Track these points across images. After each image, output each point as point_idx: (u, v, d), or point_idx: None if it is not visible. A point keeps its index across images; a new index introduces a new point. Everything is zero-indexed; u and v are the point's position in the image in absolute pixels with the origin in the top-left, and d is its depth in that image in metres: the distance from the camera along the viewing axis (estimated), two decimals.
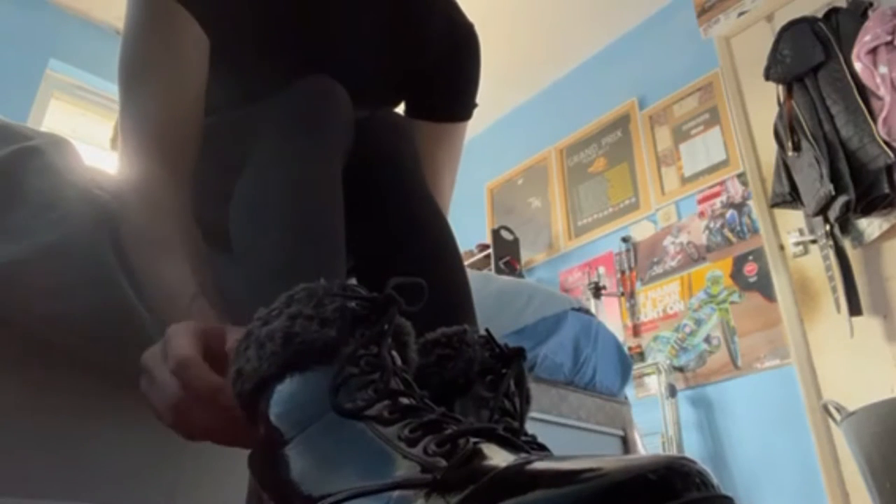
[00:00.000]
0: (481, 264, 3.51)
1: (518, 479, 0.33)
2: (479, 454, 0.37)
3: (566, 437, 1.35)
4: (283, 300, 0.46)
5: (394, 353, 0.46)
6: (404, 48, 0.88)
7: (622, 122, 3.39)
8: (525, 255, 3.56)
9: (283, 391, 0.44)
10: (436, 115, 0.92)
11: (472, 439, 0.38)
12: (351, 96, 0.74)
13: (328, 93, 0.70)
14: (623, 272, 3.07)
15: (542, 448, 0.56)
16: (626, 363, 1.62)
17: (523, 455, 0.38)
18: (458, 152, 0.95)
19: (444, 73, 0.91)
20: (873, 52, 2.15)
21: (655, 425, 2.55)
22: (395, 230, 0.71)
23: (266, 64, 0.80)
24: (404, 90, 0.92)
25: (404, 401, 0.42)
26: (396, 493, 0.36)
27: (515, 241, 3.53)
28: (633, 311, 2.99)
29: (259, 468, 0.46)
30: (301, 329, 0.44)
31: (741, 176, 2.76)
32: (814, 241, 2.38)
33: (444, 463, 0.36)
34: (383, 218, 0.72)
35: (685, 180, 2.98)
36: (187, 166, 0.71)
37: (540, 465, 0.35)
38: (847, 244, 2.31)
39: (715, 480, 0.32)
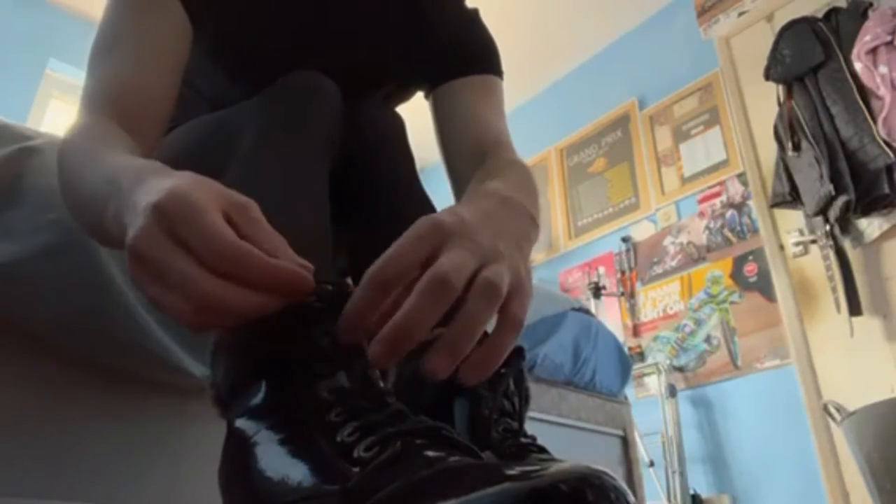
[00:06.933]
0: None
1: (420, 488, 0.32)
2: (407, 457, 0.35)
3: (566, 437, 1.35)
4: None
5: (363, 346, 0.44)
6: (418, 32, 0.87)
7: (622, 122, 3.39)
8: None
9: (249, 396, 0.43)
10: (456, 73, 0.88)
11: (416, 441, 0.37)
12: (363, 85, 0.72)
13: (316, 90, 0.69)
14: (623, 272, 3.07)
15: (542, 450, 0.56)
16: (625, 363, 1.63)
17: (453, 458, 0.36)
18: (495, 102, 0.90)
19: (457, 43, 0.89)
20: (873, 52, 2.15)
21: (655, 425, 2.55)
22: (380, 224, 0.70)
23: (275, 58, 0.78)
24: (420, 69, 0.90)
25: (353, 402, 0.41)
26: None
27: None
28: (633, 311, 2.99)
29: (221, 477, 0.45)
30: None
31: (741, 176, 2.76)
32: (814, 241, 2.37)
33: (356, 470, 0.35)
34: (369, 212, 0.71)
35: (685, 180, 2.98)
36: (145, 140, 0.64)
37: (453, 468, 0.33)
38: (847, 244, 2.30)
39: (632, 498, 0.31)
